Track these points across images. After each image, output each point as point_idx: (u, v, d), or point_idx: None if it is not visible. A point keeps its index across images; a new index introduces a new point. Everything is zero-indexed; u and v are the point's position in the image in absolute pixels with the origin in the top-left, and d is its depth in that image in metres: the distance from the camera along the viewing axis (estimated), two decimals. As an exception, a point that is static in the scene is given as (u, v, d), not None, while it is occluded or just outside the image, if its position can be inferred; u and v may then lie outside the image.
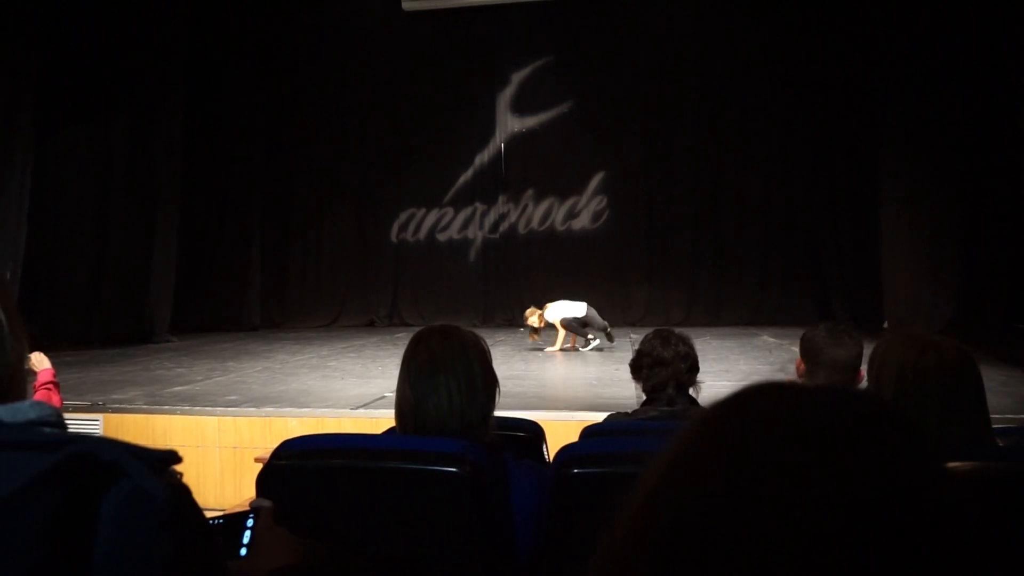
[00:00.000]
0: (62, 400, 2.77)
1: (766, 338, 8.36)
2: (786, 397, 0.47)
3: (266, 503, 1.19)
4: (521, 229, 10.90)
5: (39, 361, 2.59)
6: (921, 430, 0.46)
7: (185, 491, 0.67)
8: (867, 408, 0.46)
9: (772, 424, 0.45)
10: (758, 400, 0.48)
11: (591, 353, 7.48)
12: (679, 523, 0.43)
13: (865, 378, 1.81)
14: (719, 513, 0.42)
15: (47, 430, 0.67)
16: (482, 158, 10.99)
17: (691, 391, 2.36)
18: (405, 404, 1.57)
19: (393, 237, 11.12)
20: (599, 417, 2.62)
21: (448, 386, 1.55)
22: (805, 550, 0.39)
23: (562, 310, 7.60)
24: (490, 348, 1.69)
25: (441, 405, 1.54)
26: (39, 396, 2.50)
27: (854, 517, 0.40)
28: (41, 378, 2.56)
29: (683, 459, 0.46)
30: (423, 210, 11.11)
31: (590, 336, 7.60)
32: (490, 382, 1.61)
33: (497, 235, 10.97)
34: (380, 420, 4.12)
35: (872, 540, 0.39)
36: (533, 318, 7.64)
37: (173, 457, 0.68)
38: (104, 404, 4.84)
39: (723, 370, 6.02)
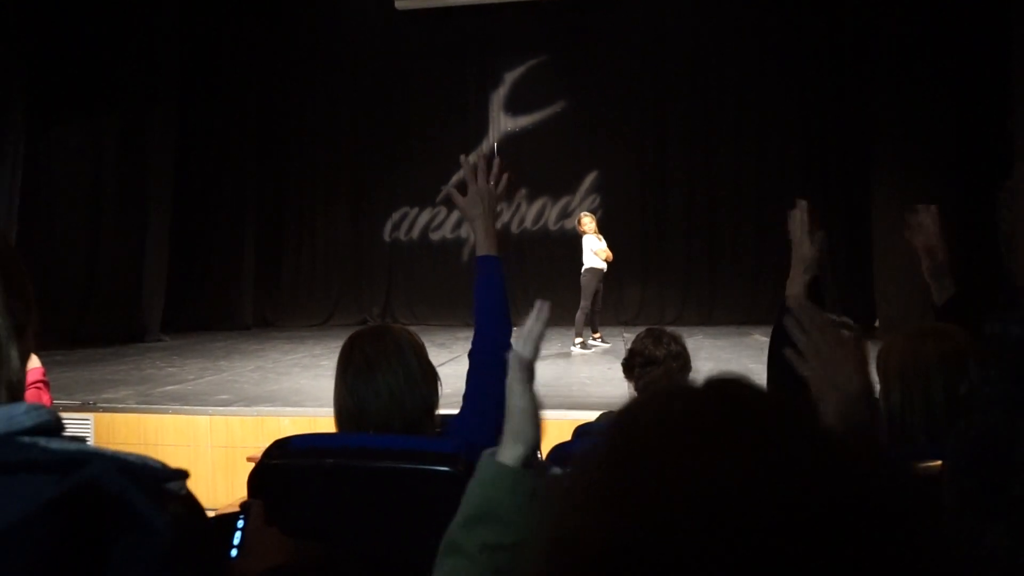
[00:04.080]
0: (52, 399, 2.75)
1: (757, 337, 8.38)
2: (663, 406, 0.47)
3: (257, 503, 1.18)
4: (514, 228, 10.90)
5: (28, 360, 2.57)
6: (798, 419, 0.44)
7: (189, 524, 0.63)
8: (725, 403, 0.45)
9: (650, 442, 0.44)
10: (641, 414, 0.47)
11: (583, 352, 7.50)
12: (580, 543, 0.42)
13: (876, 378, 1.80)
14: (613, 532, 0.41)
15: (43, 442, 0.62)
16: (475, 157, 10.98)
17: (683, 390, 2.35)
18: (344, 409, 1.57)
19: (386, 236, 11.10)
20: (591, 416, 2.62)
21: (388, 385, 1.54)
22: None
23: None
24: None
25: (382, 405, 1.54)
26: (28, 396, 2.48)
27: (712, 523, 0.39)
28: (30, 377, 2.54)
29: (578, 480, 0.46)
30: (416, 209, 11.09)
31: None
32: (429, 376, 1.61)
33: (490, 234, 10.96)
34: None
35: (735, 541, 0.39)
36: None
37: (180, 476, 0.65)
38: (95, 403, 4.82)
39: (715, 369, 6.02)
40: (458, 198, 1.71)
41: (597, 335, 7.76)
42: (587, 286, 7.40)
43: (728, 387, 0.47)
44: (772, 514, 0.39)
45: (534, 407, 0.92)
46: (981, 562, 0.70)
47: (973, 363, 0.91)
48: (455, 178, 9.99)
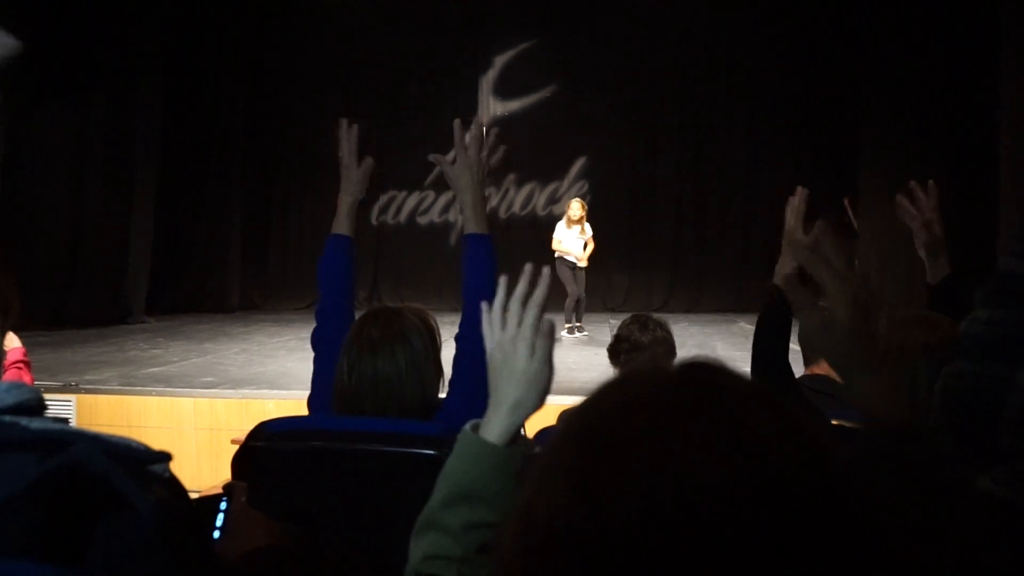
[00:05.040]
0: (33, 380, 2.72)
1: (744, 324, 8.43)
2: (626, 392, 0.47)
3: (240, 485, 1.18)
4: (502, 214, 10.87)
5: (8, 340, 2.54)
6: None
7: (172, 507, 0.62)
8: (681, 394, 0.45)
9: (613, 422, 0.44)
10: (611, 397, 0.48)
11: (569, 338, 7.51)
12: (549, 525, 0.42)
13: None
14: (580, 516, 0.41)
15: (24, 422, 0.61)
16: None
17: (669, 376, 2.37)
18: (341, 386, 1.53)
19: (373, 220, 11.05)
20: (577, 401, 2.63)
21: (386, 372, 1.49)
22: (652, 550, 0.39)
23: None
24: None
25: (378, 391, 1.50)
26: (8, 376, 2.45)
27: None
28: (10, 357, 2.51)
29: (549, 461, 0.46)
30: (404, 193, 11.04)
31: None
32: (433, 368, 1.55)
33: (478, 219, 10.93)
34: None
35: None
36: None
37: (163, 458, 0.64)
38: (77, 385, 4.78)
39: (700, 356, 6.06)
40: (445, 165, 1.62)
41: (577, 324, 7.67)
42: (560, 274, 7.36)
43: (700, 371, 0.47)
44: (736, 500, 0.39)
45: (545, 373, 0.86)
46: (978, 502, 0.68)
47: (979, 298, 0.88)
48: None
